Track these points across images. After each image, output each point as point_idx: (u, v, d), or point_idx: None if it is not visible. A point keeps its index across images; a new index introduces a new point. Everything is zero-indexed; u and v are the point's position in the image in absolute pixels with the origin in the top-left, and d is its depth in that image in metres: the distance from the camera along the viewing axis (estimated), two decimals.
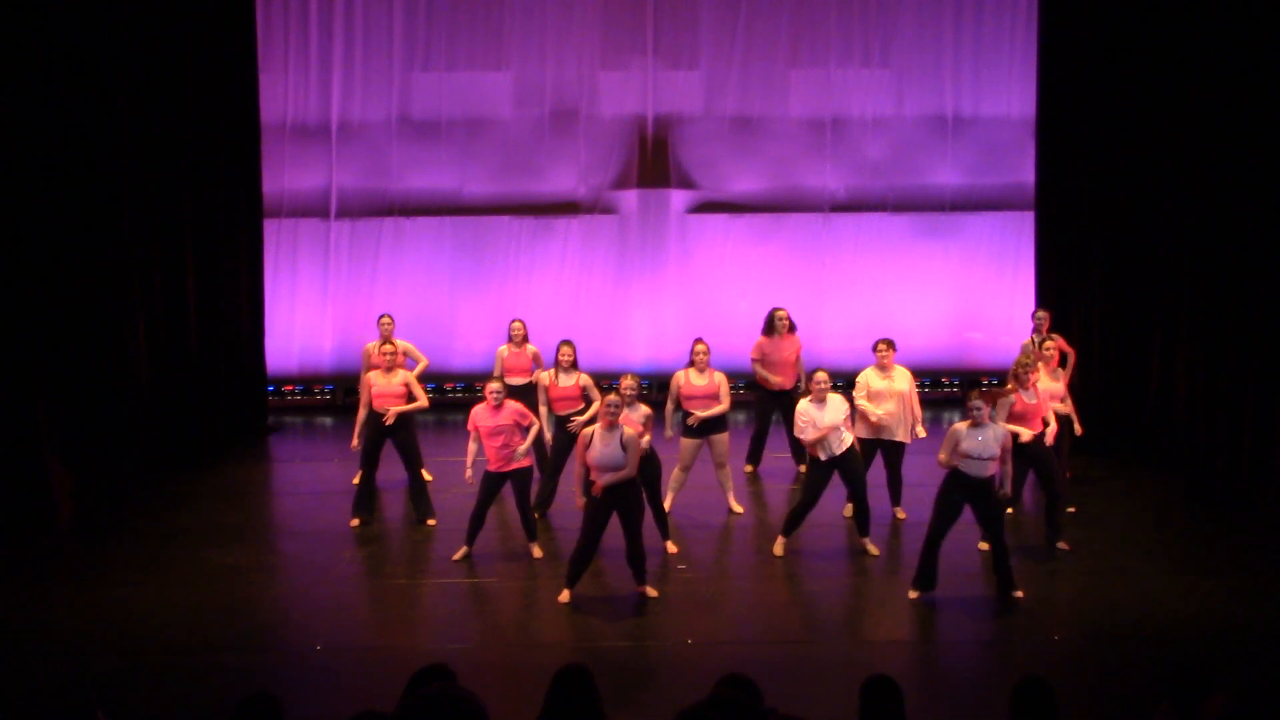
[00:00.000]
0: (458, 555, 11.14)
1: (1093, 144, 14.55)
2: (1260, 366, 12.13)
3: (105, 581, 10.77)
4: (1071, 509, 12.12)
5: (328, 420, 16.59)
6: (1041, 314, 13.25)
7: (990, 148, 16.97)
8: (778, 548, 11.24)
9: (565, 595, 10.28)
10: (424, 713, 4.51)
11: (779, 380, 13.25)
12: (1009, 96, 16.84)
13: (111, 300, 12.57)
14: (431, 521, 12.08)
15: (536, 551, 11.26)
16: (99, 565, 11.15)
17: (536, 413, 11.89)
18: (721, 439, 12.16)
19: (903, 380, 11.95)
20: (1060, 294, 15.53)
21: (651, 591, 10.32)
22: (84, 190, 12.16)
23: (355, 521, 12.13)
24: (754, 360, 13.41)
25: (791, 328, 13.30)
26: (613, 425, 10.01)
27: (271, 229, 16.33)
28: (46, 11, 11.79)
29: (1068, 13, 14.91)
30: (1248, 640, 9.49)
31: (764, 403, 13.63)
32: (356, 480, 12.54)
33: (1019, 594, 10.21)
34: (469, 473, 11.18)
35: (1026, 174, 16.31)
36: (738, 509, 12.36)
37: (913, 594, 10.30)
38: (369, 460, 12.17)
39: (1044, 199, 15.66)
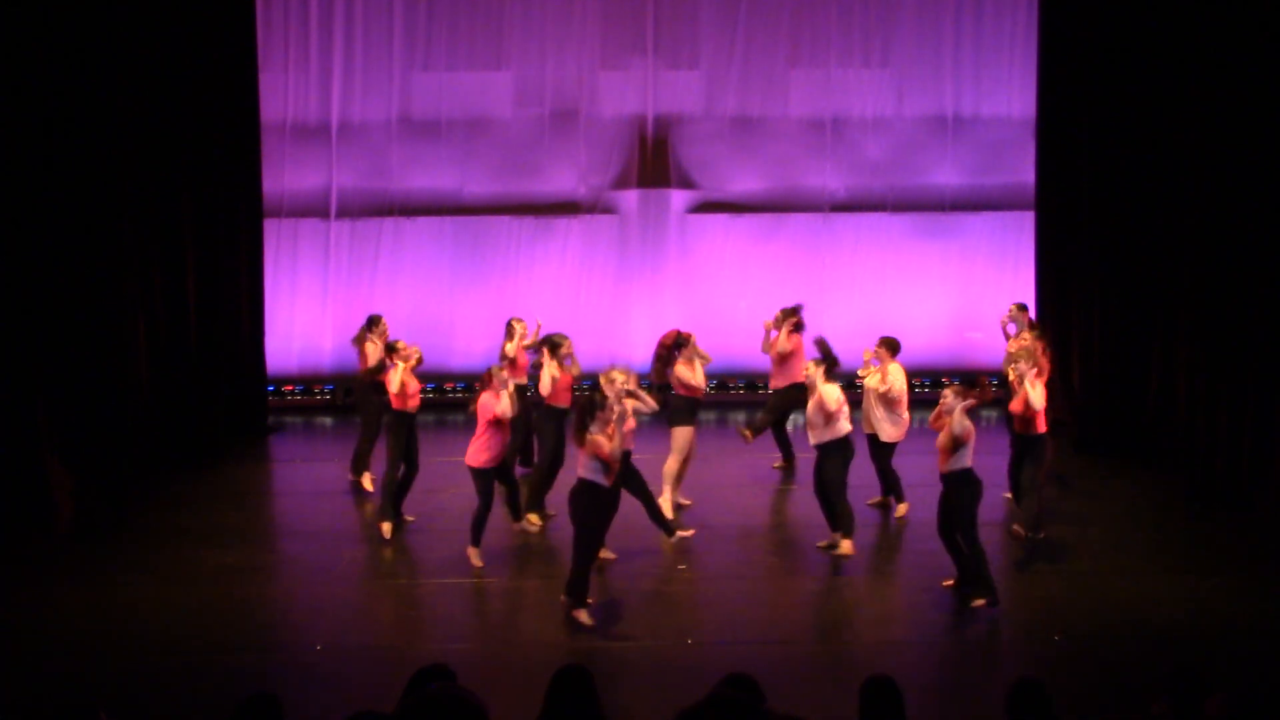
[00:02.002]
0: (479, 561, 11.01)
1: (1093, 144, 14.55)
2: (1260, 366, 12.13)
3: (105, 581, 10.77)
4: (1042, 534, 11.62)
5: (328, 420, 16.59)
6: (1015, 307, 13.55)
7: (990, 148, 16.98)
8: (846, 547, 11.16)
9: (585, 616, 9.92)
10: (424, 713, 4.51)
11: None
12: (1009, 96, 16.85)
13: (111, 300, 12.56)
14: (410, 518, 12.04)
15: (533, 524, 11.34)
16: (99, 565, 11.15)
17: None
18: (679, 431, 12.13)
19: (873, 378, 12.04)
20: (1060, 294, 15.54)
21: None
22: (84, 190, 12.15)
23: (388, 525, 11.86)
24: None
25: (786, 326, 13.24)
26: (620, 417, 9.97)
27: (271, 229, 16.33)
28: (46, 11, 11.78)
29: (1068, 13, 14.92)
30: (1248, 640, 9.49)
31: (783, 395, 13.49)
32: (371, 484, 12.48)
33: (978, 602, 10.07)
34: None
35: (1026, 174, 16.31)
36: (684, 502, 12.35)
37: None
38: (404, 459, 12.03)
39: (1044, 199, 15.67)
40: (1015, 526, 11.11)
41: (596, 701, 5.48)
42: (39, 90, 11.74)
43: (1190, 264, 12.91)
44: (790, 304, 13.60)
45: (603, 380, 10.38)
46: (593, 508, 9.83)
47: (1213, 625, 9.80)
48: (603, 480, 9.79)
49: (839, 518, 11.10)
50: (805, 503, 11.83)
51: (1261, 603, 10.19)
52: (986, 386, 10.41)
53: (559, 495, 12.14)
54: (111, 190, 12.62)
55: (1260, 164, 12.03)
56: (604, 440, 9.69)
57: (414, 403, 11.95)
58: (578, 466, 9.85)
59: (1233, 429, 12.32)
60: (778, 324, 13.46)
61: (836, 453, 10.97)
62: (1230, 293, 12.31)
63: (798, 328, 13.31)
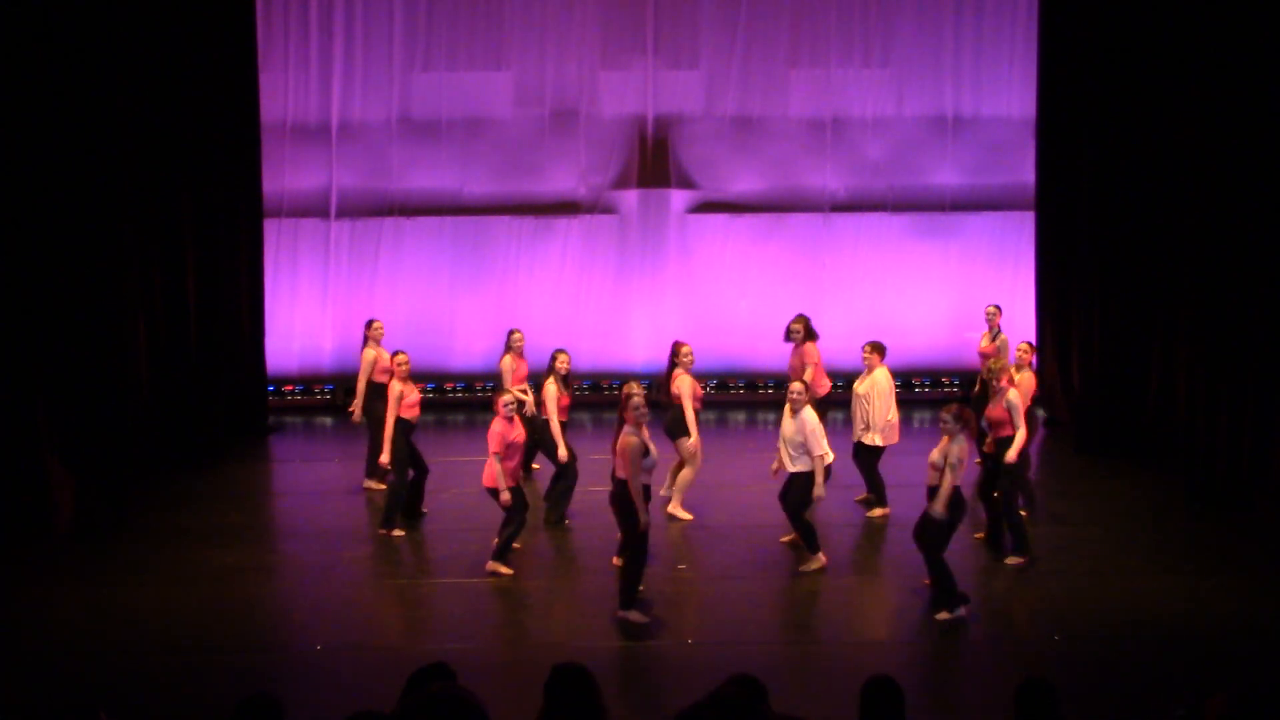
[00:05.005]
0: (508, 569, 10.91)
1: (1093, 144, 14.55)
2: (1260, 366, 12.12)
3: (105, 581, 10.76)
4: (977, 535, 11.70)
5: (328, 420, 16.59)
6: (992, 309, 13.74)
7: (990, 148, 16.98)
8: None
9: (637, 615, 9.94)
10: (424, 712, 4.50)
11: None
12: (1009, 96, 16.86)
13: (111, 300, 12.56)
14: (399, 532, 11.95)
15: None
16: (99, 565, 11.15)
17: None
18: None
19: (863, 384, 12.11)
20: (1060, 294, 15.54)
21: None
22: (84, 190, 12.15)
23: (400, 532, 11.86)
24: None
25: (793, 336, 13.02)
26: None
27: (271, 229, 16.34)
28: (47, 11, 11.78)
29: (1068, 13, 14.93)
30: (1248, 640, 9.48)
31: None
32: (382, 486, 12.49)
33: (938, 616, 9.96)
34: (507, 495, 10.74)
35: (1026, 174, 16.33)
36: (684, 515, 12.30)
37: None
38: (412, 465, 12.04)
39: (1044, 199, 15.68)
40: (1010, 560, 11.05)
41: (597, 697, 5.47)
42: (39, 90, 11.73)
43: (1190, 264, 12.90)
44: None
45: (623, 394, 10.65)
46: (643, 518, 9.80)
47: (1213, 625, 9.80)
48: (647, 481, 9.80)
49: (803, 535, 11.01)
50: None
51: (1261, 603, 10.18)
52: (973, 420, 10.36)
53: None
54: (112, 190, 12.62)
55: (1260, 164, 12.02)
56: (639, 440, 9.71)
57: (412, 412, 11.93)
58: (618, 471, 9.80)
59: (1233, 429, 12.31)
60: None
61: (807, 481, 10.84)
62: (1230, 293, 12.30)
63: (812, 336, 13.06)
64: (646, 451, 9.73)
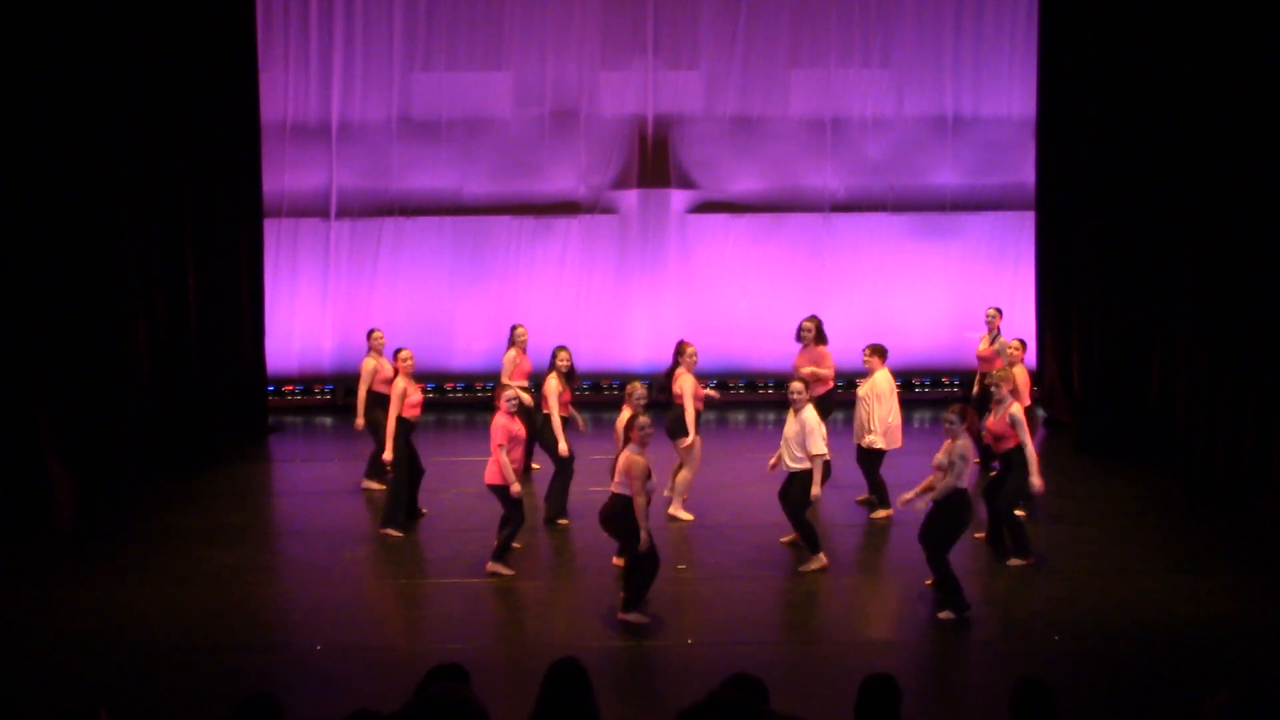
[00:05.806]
0: (509, 570, 10.91)
1: (1093, 144, 14.56)
2: (1260, 366, 12.13)
3: (105, 582, 10.76)
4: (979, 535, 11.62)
5: (328, 420, 16.59)
6: (993, 312, 13.74)
7: (990, 148, 16.99)
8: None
9: (637, 616, 9.94)
10: (425, 713, 4.51)
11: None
12: (1009, 96, 16.87)
13: (112, 301, 12.56)
14: (424, 510, 11.98)
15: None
16: (99, 565, 11.15)
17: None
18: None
19: (864, 387, 12.10)
20: (1060, 294, 15.55)
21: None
22: (84, 190, 12.15)
23: (398, 532, 11.84)
24: None
25: (803, 335, 12.98)
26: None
27: (271, 229, 16.34)
28: (48, 11, 11.78)
29: (1068, 13, 14.93)
30: (1248, 640, 9.48)
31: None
32: (380, 487, 12.51)
33: (941, 615, 9.98)
34: (518, 487, 10.75)
35: (1026, 174, 16.34)
36: (685, 516, 12.30)
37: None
38: (413, 468, 12.08)
39: (1044, 199, 15.69)
40: (1012, 561, 11.04)
41: (591, 694, 5.48)
42: (39, 90, 11.73)
43: (1190, 264, 12.91)
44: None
45: (627, 394, 10.92)
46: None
47: (1213, 625, 9.79)
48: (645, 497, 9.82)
49: (803, 536, 11.03)
50: None
51: (1261, 603, 10.18)
52: (975, 419, 10.38)
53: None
54: (112, 190, 12.62)
55: (1260, 163, 12.02)
56: (641, 458, 9.74)
57: (414, 411, 11.94)
58: (617, 488, 9.83)
59: (1233, 429, 12.32)
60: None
61: (807, 479, 10.86)
62: (1230, 292, 12.30)
63: (823, 339, 13.02)
64: (649, 474, 9.75)
